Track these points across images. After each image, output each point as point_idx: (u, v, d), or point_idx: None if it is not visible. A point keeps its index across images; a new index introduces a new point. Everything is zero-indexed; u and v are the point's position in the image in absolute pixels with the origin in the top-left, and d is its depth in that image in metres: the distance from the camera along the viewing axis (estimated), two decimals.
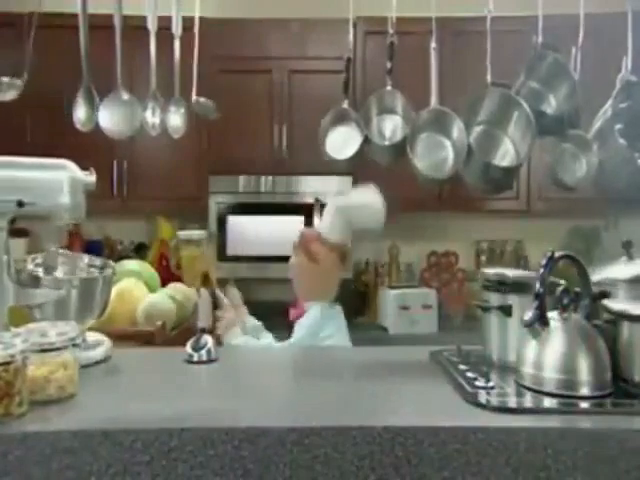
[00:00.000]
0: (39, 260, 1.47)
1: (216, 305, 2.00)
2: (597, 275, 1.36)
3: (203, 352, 1.46)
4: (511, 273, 1.43)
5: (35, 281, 1.40)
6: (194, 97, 1.78)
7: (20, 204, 1.30)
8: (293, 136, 3.36)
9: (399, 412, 1.14)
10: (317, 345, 1.88)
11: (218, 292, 2.01)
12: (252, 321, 2.20)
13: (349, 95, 1.63)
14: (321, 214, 2.16)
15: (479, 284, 1.46)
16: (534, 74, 1.59)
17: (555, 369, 1.18)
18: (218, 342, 1.67)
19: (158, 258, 3.36)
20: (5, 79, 1.68)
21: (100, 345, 1.46)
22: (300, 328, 1.97)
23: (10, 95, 1.68)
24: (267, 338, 2.08)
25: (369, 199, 1.97)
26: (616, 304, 1.27)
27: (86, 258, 1.54)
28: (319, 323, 1.94)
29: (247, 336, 2.05)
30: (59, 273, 1.47)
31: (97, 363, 1.42)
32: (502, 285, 1.39)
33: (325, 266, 2.00)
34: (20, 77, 1.67)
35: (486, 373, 1.31)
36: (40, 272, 1.43)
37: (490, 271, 1.45)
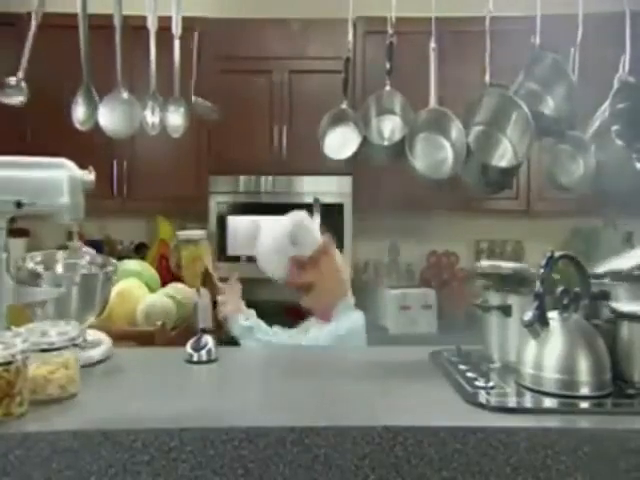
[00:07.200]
0: (39, 258, 1.47)
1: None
2: (599, 268, 1.37)
3: (203, 352, 1.46)
4: (506, 265, 1.42)
5: (35, 278, 1.40)
6: (193, 98, 1.78)
7: (19, 205, 1.30)
8: (293, 136, 3.35)
9: (399, 412, 1.14)
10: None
11: (216, 281, 2.03)
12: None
13: (348, 95, 1.63)
14: (320, 214, 2.16)
15: (477, 278, 1.46)
16: (532, 75, 1.59)
17: (555, 369, 1.18)
18: (220, 339, 1.66)
19: (158, 258, 3.36)
20: (12, 80, 1.66)
21: (100, 345, 1.47)
22: (326, 333, 1.97)
23: (17, 100, 1.66)
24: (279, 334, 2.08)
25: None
26: (620, 305, 1.28)
27: (88, 256, 1.54)
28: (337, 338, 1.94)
29: (258, 320, 2.05)
30: (59, 269, 1.47)
31: (97, 363, 1.42)
32: (499, 279, 1.40)
33: (321, 282, 2.02)
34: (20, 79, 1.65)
35: (486, 373, 1.31)
36: (40, 269, 1.43)
37: (485, 263, 1.45)
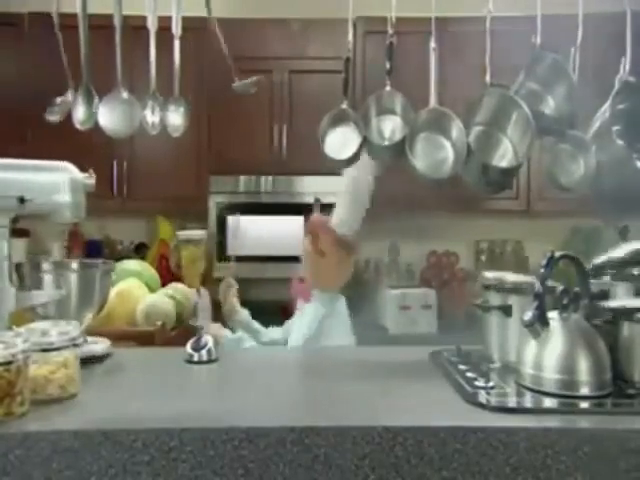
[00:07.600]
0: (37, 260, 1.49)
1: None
2: (597, 260, 1.37)
3: (203, 352, 1.47)
4: (511, 278, 1.43)
5: (36, 270, 1.42)
6: (237, 82, 1.81)
7: (22, 200, 1.31)
8: (293, 136, 3.36)
9: (399, 412, 1.14)
10: (317, 342, 1.88)
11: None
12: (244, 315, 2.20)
13: (348, 95, 1.63)
14: (320, 214, 2.16)
15: (479, 285, 1.47)
16: (533, 75, 1.59)
17: (555, 369, 1.18)
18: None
19: (158, 258, 3.36)
20: (58, 99, 1.70)
21: (100, 342, 1.48)
22: (300, 326, 1.96)
23: (62, 116, 1.70)
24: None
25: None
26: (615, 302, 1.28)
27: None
28: (319, 323, 1.93)
29: (250, 321, 2.05)
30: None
31: (97, 359, 1.43)
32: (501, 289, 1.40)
33: (331, 260, 2.01)
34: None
35: (486, 373, 1.31)
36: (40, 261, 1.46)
37: (490, 275, 1.46)
